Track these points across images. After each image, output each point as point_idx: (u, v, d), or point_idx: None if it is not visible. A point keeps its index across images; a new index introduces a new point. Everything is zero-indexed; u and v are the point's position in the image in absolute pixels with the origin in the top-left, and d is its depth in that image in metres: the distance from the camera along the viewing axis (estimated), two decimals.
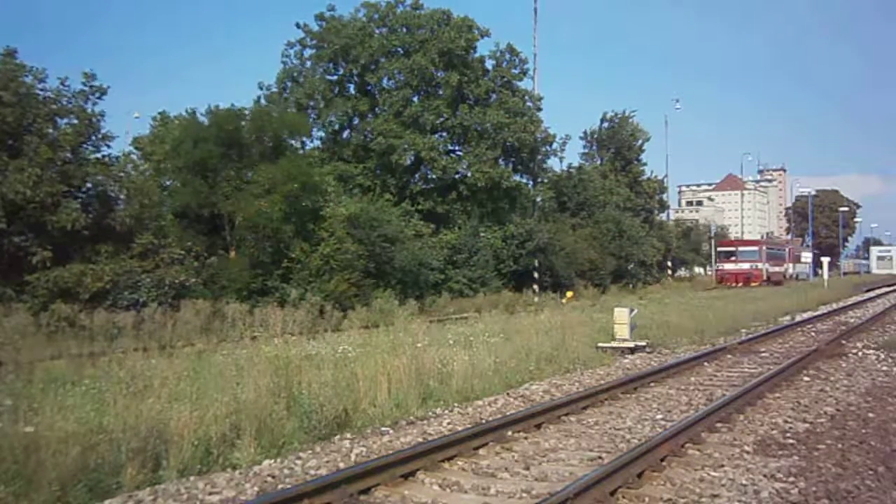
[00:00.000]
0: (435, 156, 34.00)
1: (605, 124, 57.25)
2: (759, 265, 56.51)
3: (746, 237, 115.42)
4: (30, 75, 20.48)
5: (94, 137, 21.66)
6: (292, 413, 8.41)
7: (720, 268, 57.75)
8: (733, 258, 56.84)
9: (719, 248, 60.79)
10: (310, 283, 24.20)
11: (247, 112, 27.80)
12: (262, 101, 33.99)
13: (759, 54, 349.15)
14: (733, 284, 51.09)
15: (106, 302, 19.20)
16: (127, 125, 55.83)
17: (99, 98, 21.51)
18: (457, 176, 35.62)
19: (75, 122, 21.14)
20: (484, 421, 9.14)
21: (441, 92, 35.48)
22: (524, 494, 6.47)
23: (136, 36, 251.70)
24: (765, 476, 6.83)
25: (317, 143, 35.81)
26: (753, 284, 51.00)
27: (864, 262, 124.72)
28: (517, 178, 38.47)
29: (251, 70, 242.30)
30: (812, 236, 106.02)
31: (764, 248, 60.76)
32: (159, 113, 29.83)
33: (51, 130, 20.36)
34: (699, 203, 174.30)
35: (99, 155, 21.92)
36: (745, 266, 55.46)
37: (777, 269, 60.90)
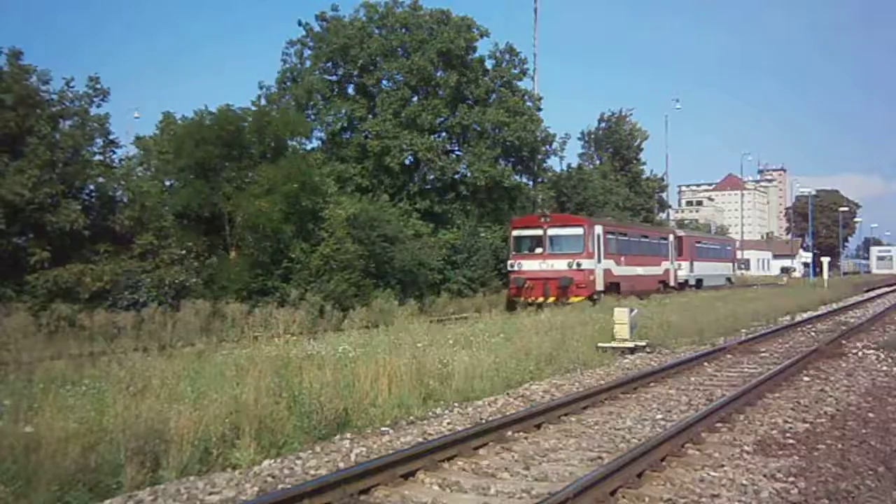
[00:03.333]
0: (432, 156, 34.00)
1: (603, 124, 57.29)
2: (586, 263, 29.43)
3: (747, 237, 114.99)
4: (34, 76, 20.51)
5: (99, 141, 21.71)
6: (292, 413, 8.41)
7: (515, 269, 29.96)
8: (539, 249, 30.10)
9: (514, 231, 31.52)
10: (310, 283, 24.19)
11: (248, 112, 27.81)
12: (262, 101, 33.98)
13: (759, 56, 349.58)
14: (535, 300, 27.71)
15: (106, 302, 19.21)
16: (127, 125, 55.66)
17: (102, 101, 21.57)
18: (456, 176, 35.60)
19: (77, 123, 21.16)
20: (484, 421, 9.14)
21: (440, 92, 35.46)
22: (524, 494, 6.47)
23: (138, 37, 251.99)
24: (765, 476, 6.83)
25: (316, 143, 35.83)
26: (574, 299, 27.58)
27: (864, 262, 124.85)
28: (517, 177, 38.44)
29: (252, 72, 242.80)
30: (812, 236, 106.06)
31: (599, 230, 30.84)
32: (163, 113, 29.88)
33: (51, 132, 20.35)
34: (699, 203, 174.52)
35: (102, 157, 21.96)
36: (560, 264, 29.26)
37: (641, 270, 34.45)
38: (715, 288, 43.03)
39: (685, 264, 41.23)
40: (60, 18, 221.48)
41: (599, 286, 29.94)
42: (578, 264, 29.20)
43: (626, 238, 34.62)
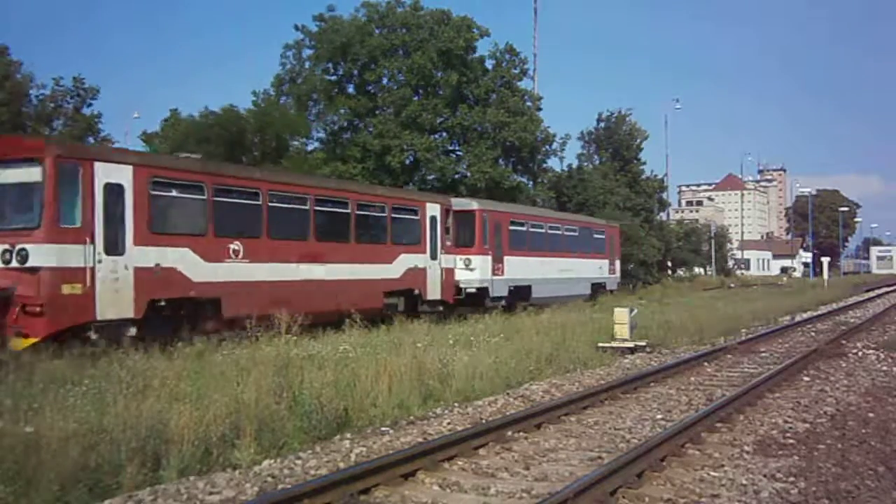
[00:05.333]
0: (432, 157, 34.00)
1: (602, 124, 57.18)
2: (49, 254, 12.23)
3: (747, 237, 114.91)
4: (20, 73, 20.57)
5: (93, 139, 21.72)
6: (293, 413, 8.41)
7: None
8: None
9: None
10: None
11: (251, 112, 27.85)
12: (261, 104, 33.92)
13: (759, 54, 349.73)
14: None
15: None
16: (126, 126, 55.84)
17: (92, 99, 21.61)
18: (456, 176, 35.61)
19: (68, 123, 21.19)
20: (484, 421, 9.14)
21: (440, 92, 35.47)
22: (524, 494, 6.47)
23: (140, 37, 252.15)
24: (765, 476, 6.83)
25: (316, 143, 35.82)
26: (22, 343, 11.84)
27: (864, 262, 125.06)
28: (517, 177, 38.43)
29: (253, 73, 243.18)
30: (812, 236, 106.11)
31: (119, 177, 13.10)
32: (171, 111, 29.93)
33: (45, 130, 20.39)
34: (699, 203, 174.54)
35: None
36: None
37: (319, 270, 17.39)
38: (554, 302, 24.40)
39: (479, 260, 23.45)
40: (57, 15, 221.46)
41: (122, 310, 13.38)
42: (23, 256, 12.41)
43: (246, 202, 16.30)
